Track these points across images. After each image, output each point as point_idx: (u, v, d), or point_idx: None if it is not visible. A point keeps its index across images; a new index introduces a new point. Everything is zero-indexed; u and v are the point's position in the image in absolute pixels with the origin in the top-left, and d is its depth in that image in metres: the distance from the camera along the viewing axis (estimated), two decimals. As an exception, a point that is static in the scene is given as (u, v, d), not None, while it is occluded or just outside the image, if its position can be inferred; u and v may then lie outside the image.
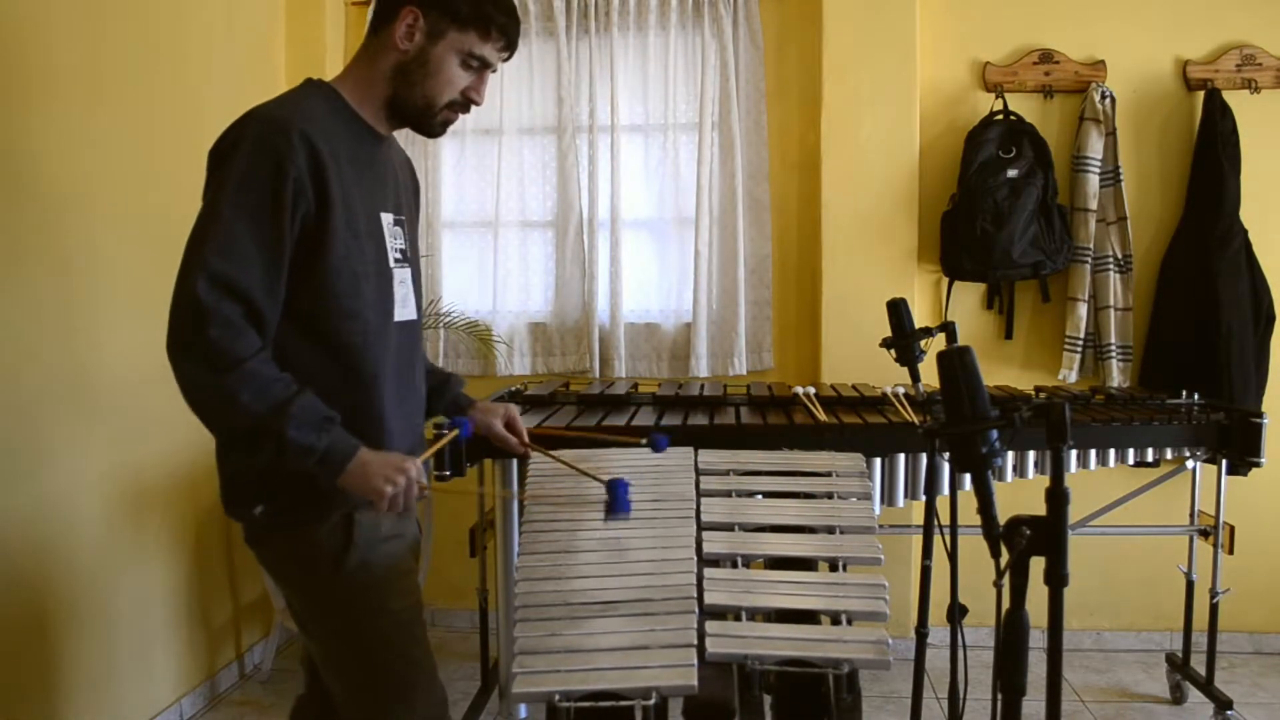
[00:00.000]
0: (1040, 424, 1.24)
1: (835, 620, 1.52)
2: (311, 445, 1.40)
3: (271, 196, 1.42)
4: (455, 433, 1.73)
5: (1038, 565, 1.21)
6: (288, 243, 1.44)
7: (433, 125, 1.61)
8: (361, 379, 1.55)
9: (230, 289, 1.38)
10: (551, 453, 1.86)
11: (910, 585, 3.12)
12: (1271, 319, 3.20)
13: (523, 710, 2.71)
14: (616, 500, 1.59)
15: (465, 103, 1.62)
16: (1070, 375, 3.24)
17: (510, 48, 1.63)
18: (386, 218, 1.61)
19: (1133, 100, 3.28)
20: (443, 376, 1.87)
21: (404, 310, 1.63)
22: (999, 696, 1.26)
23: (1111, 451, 2.59)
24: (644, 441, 1.92)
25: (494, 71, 1.64)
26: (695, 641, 1.42)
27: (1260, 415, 2.57)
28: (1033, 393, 2.83)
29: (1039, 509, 1.21)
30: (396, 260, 1.62)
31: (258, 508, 1.52)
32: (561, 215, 3.46)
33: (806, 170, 3.41)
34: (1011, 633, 1.23)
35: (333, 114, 1.54)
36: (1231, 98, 3.18)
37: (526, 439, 1.86)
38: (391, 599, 1.58)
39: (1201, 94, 3.21)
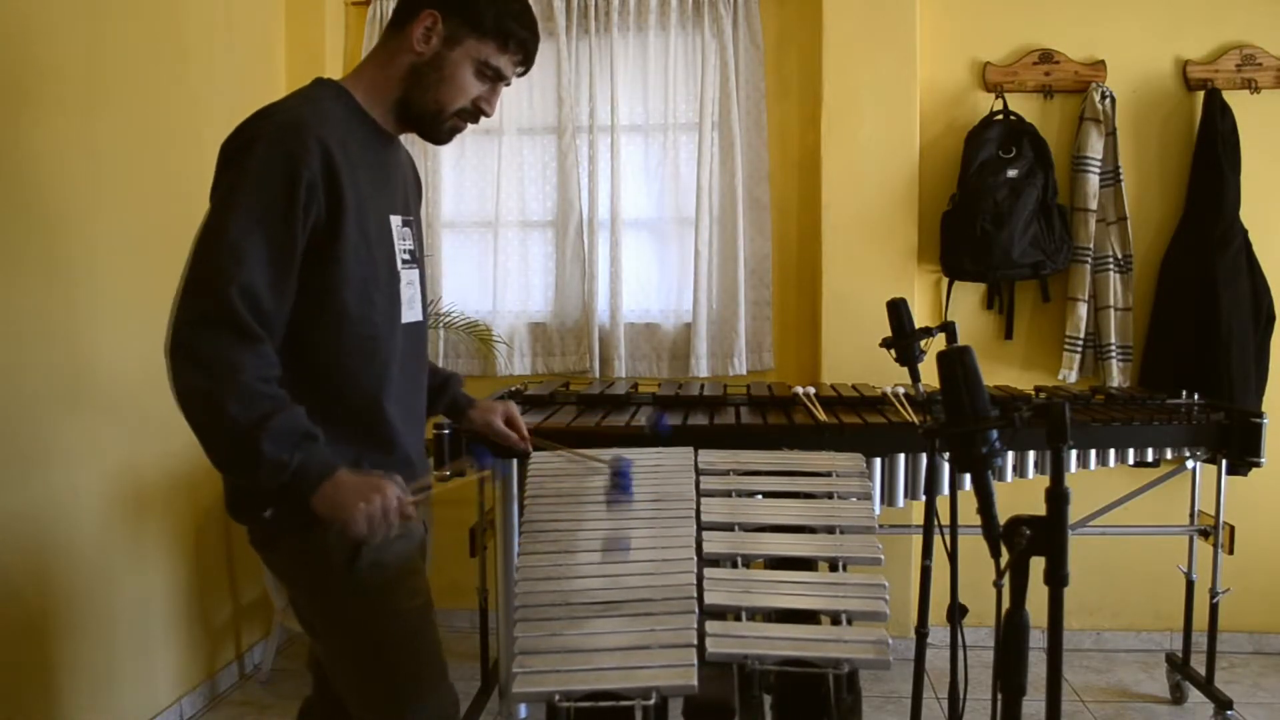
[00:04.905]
0: (1040, 424, 1.24)
1: (835, 620, 1.52)
2: (284, 462, 1.35)
3: (284, 199, 1.40)
4: (471, 467, 1.74)
5: (1038, 565, 1.21)
6: (298, 247, 1.42)
7: (440, 132, 1.60)
8: (368, 383, 1.54)
9: (238, 292, 1.36)
10: (555, 445, 1.87)
11: (910, 585, 3.12)
12: (1271, 319, 3.20)
13: (523, 710, 2.71)
14: (623, 481, 1.62)
15: (475, 112, 1.60)
16: (1070, 375, 3.24)
17: (527, 63, 1.62)
18: (395, 220, 1.60)
19: (1133, 100, 3.28)
20: (443, 376, 1.87)
21: (410, 312, 1.63)
22: (999, 696, 1.26)
23: (1111, 451, 2.59)
24: (646, 429, 1.92)
25: (507, 85, 1.63)
26: (695, 641, 1.42)
27: (1260, 415, 2.57)
28: (1033, 393, 2.83)
29: (1039, 509, 1.21)
30: (404, 262, 1.61)
31: (268, 511, 1.50)
32: (561, 215, 3.46)
33: (806, 170, 3.41)
34: (1011, 633, 1.23)
35: (345, 115, 1.53)
36: (1231, 98, 3.18)
37: (527, 434, 1.86)
38: (402, 599, 1.58)
39: (1201, 94, 3.21)
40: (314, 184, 1.42)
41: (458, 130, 1.62)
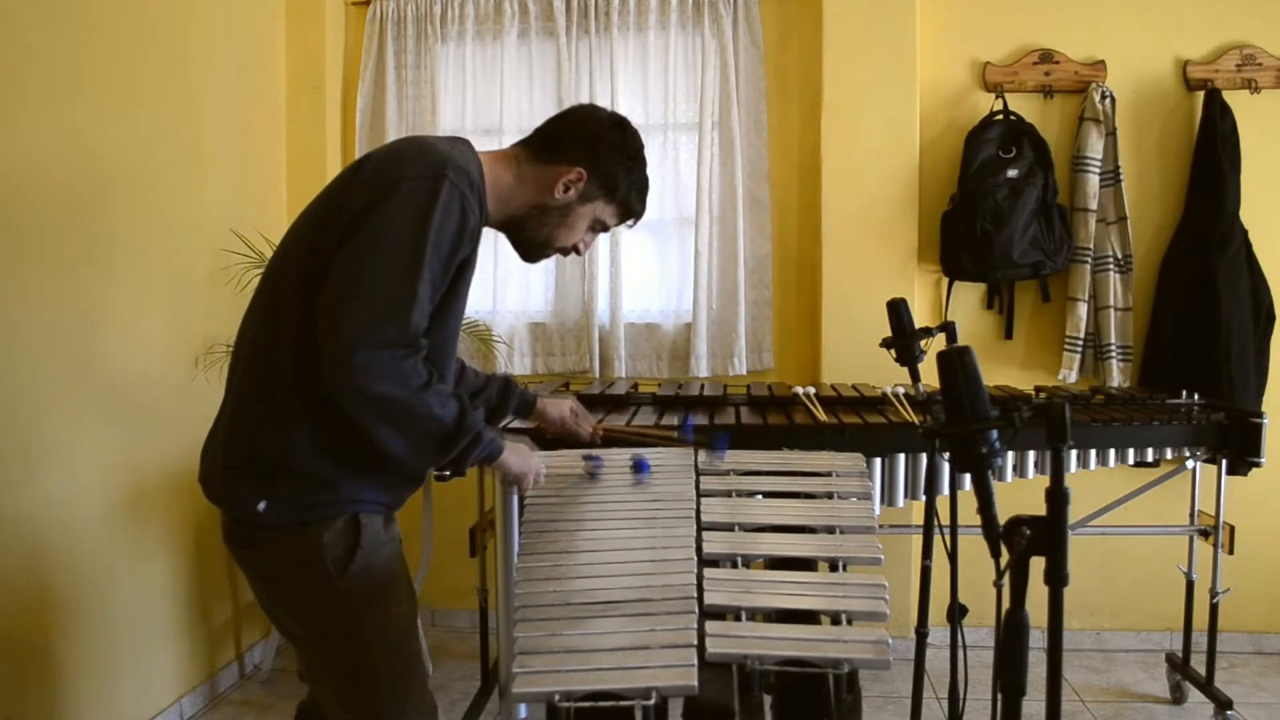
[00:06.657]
0: (1040, 424, 1.24)
1: (835, 620, 1.52)
2: (481, 436, 1.55)
3: (454, 248, 1.49)
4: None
5: (1038, 565, 1.21)
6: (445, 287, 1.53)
7: (536, 257, 1.75)
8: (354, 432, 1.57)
9: (415, 328, 1.45)
10: (618, 429, 2.13)
11: (910, 585, 3.12)
12: (1271, 319, 3.20)
13: (523, 710, 2.71)
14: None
15: (571, 250, 1.74)
16: (1070, 375, 3.24)
17: (628, 223, 1.77)
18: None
19: (1133, 100, 3.28)
20: (499, 381, 2.01)
21: None
22: (999, 696, 1.26)
23: (1111, 451, 2.58)
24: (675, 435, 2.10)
25: (605, 232, 1.80)
26: (695, 642, 1.42)
27: (1260, 415, 2.57)
28: (1033, 393, 2.83)
29: (1039, 509, 1.21)
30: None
31: (261, 504, 1.50)
32: (561, 215, 3.46)
33: (806, 170, 3.41)
34: (1011, 633, 1.23)
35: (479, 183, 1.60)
36: (1231, 98, 3.18)
37: (594, 425, 2.08)
38: (391, 604, 1.58)
39: (1201, 94, 3.21)
40: (472, 236, 1.53)
41: (548, 258, 1.77)
